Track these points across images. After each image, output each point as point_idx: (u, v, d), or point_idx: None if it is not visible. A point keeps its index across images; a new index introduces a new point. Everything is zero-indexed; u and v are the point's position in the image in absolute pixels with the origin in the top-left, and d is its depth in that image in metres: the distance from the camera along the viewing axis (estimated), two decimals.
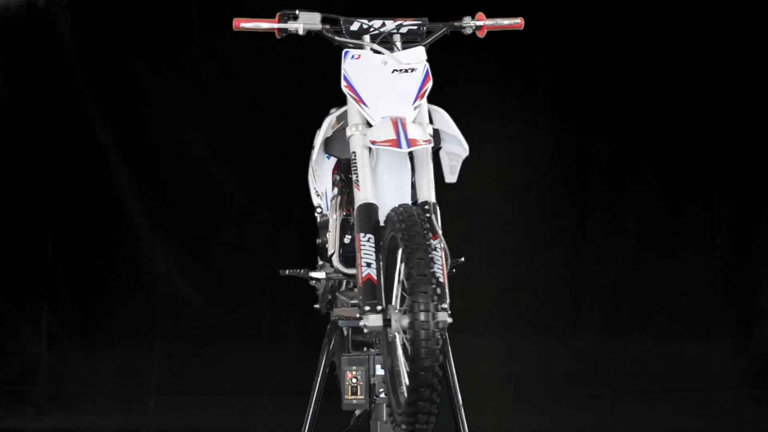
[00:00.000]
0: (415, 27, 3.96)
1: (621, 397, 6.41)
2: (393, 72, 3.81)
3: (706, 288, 6.51)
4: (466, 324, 4.87)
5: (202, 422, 6.41)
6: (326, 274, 4.40)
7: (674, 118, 6.53)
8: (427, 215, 3.65)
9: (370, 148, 3.77)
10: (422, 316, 3.33)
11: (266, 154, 6.55)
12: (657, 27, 6.51)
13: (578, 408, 6.38)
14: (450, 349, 4.20)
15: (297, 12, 3.92)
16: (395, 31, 3.94)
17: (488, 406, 6.29)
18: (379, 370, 4.15)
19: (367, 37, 3.92)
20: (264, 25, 3.93)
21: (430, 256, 3.38)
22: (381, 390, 4.16)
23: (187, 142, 6.58)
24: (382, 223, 3.65)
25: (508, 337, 6.45)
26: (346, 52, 3.87)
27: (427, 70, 3.84)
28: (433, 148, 3.84)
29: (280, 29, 3.92)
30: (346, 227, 4.31)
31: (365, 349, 4.33)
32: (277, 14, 3.93)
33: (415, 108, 3.79)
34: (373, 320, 3.53)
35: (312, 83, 6.15)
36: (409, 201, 3.82)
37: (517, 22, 4.14)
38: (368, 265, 3.59)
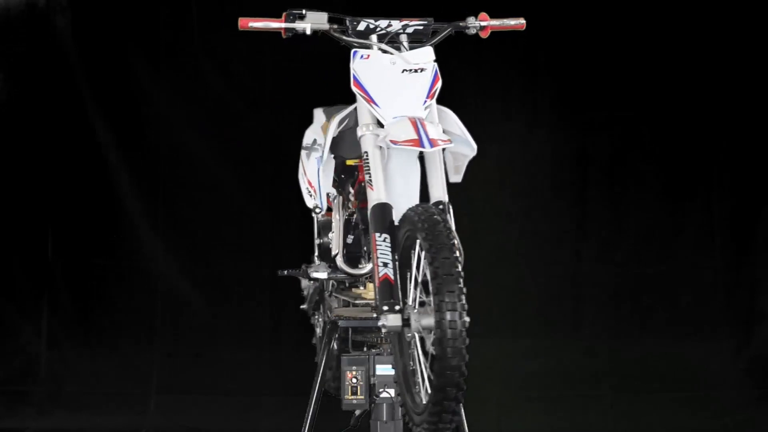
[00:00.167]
0: (421, 27, 3.96)
1: (621, 397, 6.41)
2: (403, 72, 3.80)
3: (706, 288, 6.51)
4: None
5: (202, 422, 6.41)
6: (328, 274, 4.40)
7: (674, 118, 6.53)
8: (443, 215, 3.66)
9: (380, 148, 3.77)
10: (450, 316, 3.33)
11: (266, 154, 6.55)
12: (657, 27, 6.51)
13: (578, 408, 6.38)
14: None
15: (303, 11, 3.91)
16: (401, 31, 3.94)
17: (488, 406, 6.29)
18: (380, 370, 4.15)
19: (374, 37, 3.91)
20: (273, 24, 3.92)
21: (455, 255, 3.39)
22: (381, 390, 4.17)
23: (187, 142, 6.58)
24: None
25: (508, 337, 6.45)
26: (355, 52, 3.86)
27: (436, 71, 3.84)
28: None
29: (287, 29, 3.91)
30: (348, 227, 4.31)
31: (365, 349, 4.33)
32: (284, 14, 3.92)
33: (425, 108, 3.79)
34: (392, 320, 3.53)
35: (312, 83, 6.16)
36: (417, 201, 3.83)
37: (521, 22, 4.15)
38: (385, 264, 3.58)
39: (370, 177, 3.72)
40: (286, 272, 4.73)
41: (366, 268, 4.18)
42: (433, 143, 3.66)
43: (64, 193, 6.55)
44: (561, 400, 6.41)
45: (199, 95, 6.57)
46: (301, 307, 4.96)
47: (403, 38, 3.93)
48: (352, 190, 4.32)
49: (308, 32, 3.92)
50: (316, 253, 4.61)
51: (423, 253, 3.46)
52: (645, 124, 6.55)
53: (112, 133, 6.55)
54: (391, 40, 3.91)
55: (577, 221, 6.58)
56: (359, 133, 3.81)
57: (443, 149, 3.99)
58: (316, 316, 4.90)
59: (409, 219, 3.54)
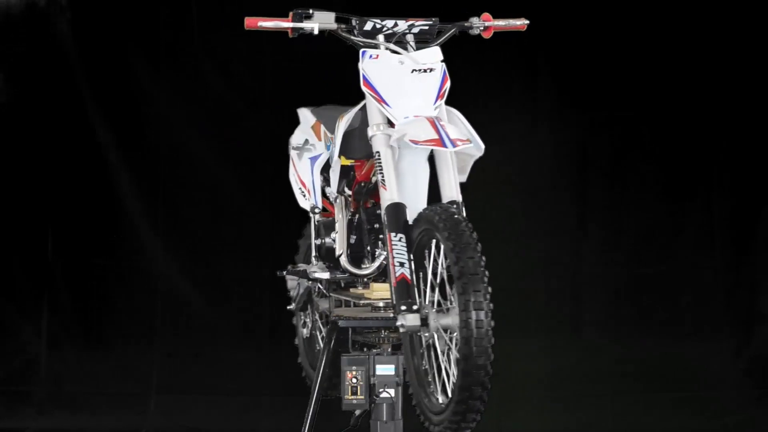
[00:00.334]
0: (427, 27, 3.96)
1: (621, 397, 6.41)
2: (412, 72, 3.79)
3: (706, 288, 6.51)
4: None
5: (202, 422, 6.41)
6: (330, 274, 4.39)
7: (674, 118, 6.53)
8: None
9: (392, 147, 3.75)
10: (476, 315, 3.33)
11: (266, 154, 6.54)
12: (657, 27, 6.51)
13: (578, 408, 6.38)
14: None
15: (311, 11, 3.90)
16: (407, 31, 3.93)
17: (488, 406, 6.27)
18: (380, 370, 4.14)
19: (381, 37, 3.91)
20: (281, 24, 3.91)
21: (479, 254, 3.38)
22: (381, 390, 4.16)
23: (187, 142, 6.58)
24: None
25: (508, 337, 6.42)
26: (364, 52, 3.85)
27: (445, 71, 3.84)
28: None
29: (294, 28, 3.90)
30: (351, 227, 4.31)
31: (365, 349, 4.33)
32: (291, 13, 3.91)
33: (435, 108, 3.79)
34: (411, 320, 3.53)
35: (312, 83, 6.15)
36: (425, 200, 3.82)
37: (525, 23, 4.15)
38: (401, 264, 3.59)
39: (383, 177, 3.71)
40: (285, 272, 4.73)
41: (370, 268, 4.17)
42: (454, 143, 3.65)
43: (64, 193, 6.55)
44: (561, 400, 6.41)
45: (199, 95, 6.57)
46: (288, 307, 4.95)
47: (410, 38, 3.93)
48: (349, 191, 4.32)
49: (316, 32, 3.91)
50: (314, 254, 4.60)
51: (444, 252, 3.45)
52: (645, 124, 6.55)
53: (112, 133, 6.55)
54: (398, 41, 3.91)
55: (577, 221, 6.58)
56: (370, 133, 3.79)
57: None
58: (302, 317, 4.91)
59: (427, 218, 3.53)
